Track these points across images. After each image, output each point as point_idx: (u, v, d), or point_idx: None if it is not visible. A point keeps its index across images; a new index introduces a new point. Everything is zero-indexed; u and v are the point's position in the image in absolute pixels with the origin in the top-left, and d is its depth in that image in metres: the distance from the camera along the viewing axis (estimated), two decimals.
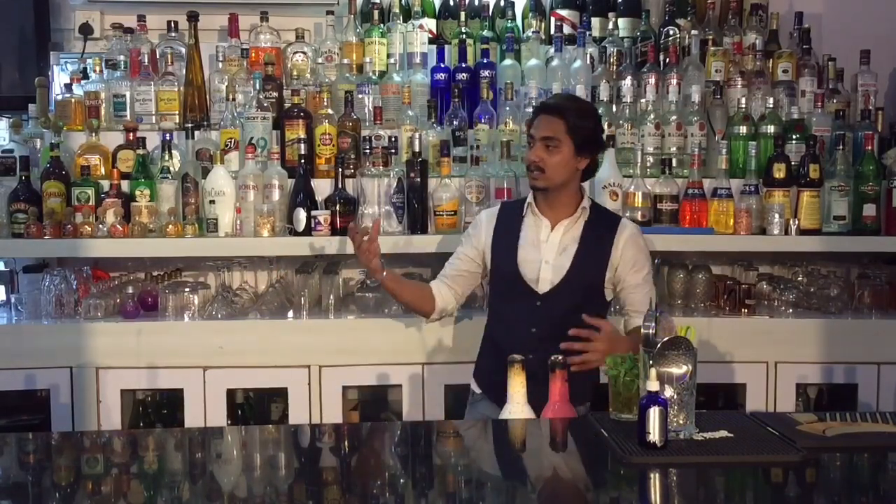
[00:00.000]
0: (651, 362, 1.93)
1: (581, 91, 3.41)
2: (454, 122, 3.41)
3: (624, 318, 2.76)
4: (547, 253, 2.65)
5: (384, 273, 2.73)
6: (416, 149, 3.28)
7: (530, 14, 3.79)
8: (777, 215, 3.28)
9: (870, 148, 3.38)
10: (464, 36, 3.64)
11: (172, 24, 3.61)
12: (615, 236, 2.67)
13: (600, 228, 2.69)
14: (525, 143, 3.39)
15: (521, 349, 2.49)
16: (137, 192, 3.24)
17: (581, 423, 2.18)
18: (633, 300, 2.70)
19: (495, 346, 2.69)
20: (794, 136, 3.44)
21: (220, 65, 3.55)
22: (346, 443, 2.17)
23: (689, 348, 1.96)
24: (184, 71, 3.51)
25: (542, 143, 2.61)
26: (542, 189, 2.65)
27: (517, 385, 2.14)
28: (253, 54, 3.56)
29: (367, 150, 3.32)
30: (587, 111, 2.69)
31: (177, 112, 3.49)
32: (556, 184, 2.64)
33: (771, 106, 3.46)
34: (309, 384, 3.12)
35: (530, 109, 3.39)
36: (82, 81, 3.53)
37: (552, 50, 3.62)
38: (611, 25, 3.69)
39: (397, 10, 3.70)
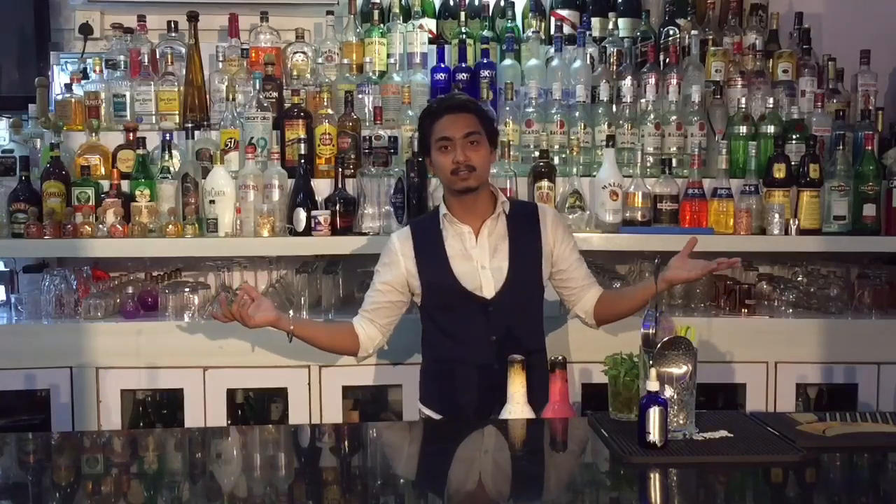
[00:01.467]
0: (651, 362, 1.93)
1: (581, 91, 3.41)
2: None
3: (575, 299, 2.68)
4: (479, 258, 2.56)
5: (290, 325, 2.59)
6: (416, 149, 3.28)
7: (530, 14, 3.79)
8: (777, 215, 3.28)
9: (870, 148, 3.38)
10: (464, 36, 3.64)
11: (172, 24, 3.61)
12: (540, 222, 2.62)
13: (522, 220, 2.61)
14: (523, 144, 3.41)
15: (484, 359, 2.52)
16: (137, 192, 3.24)
17: (581, 423, 2.18)
18: (581, 273, 2.67)
19: (450, 366, 2.60)
20: (794, 136, 3.44)
21: (220, 65, 3.55)
22: (346, 443, 2.17)
23: (689, 348, 1.96)
24: (184, 71, 3.52)
25: (464, 140, 2.49)
26: (473, 189, 2.53)
27: (517, 385, 2.14)
28: (253, 54, 3.56)
29: (367, 150, 3.32)
30: (480, 105, 2.67)
31: (177, 112, 3.49)
32: (484, 181, 2.56)
33: (771, 106, 3.46)
34: (309, 384, 3.12)
35: (531, 109, 3.40)
36: (82, 81, 3.53)
37: (552, 50, 3.62)
38: (611, 25, 3.69)
39: (397, 10, 3.70)
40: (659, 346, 1.95)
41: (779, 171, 3.32)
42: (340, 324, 2.74)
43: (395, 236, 2.68)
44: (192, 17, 3.48)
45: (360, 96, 3.47)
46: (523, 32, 3.79)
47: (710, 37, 3.67)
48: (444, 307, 2.61)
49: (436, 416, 2.64)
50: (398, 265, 2.61)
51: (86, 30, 3.84)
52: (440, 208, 2.63)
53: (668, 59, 3.57)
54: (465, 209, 2.58)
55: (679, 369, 1.96)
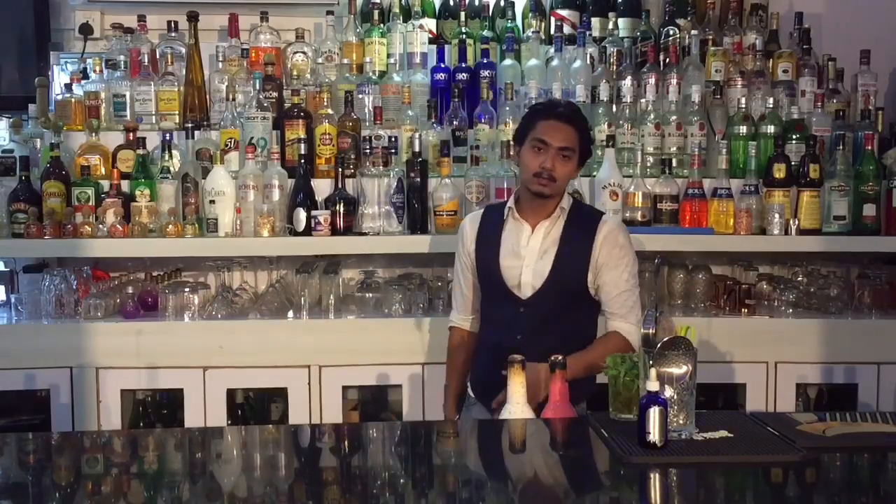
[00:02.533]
0: (651, 362, 1.93)
1: (581, 91, 3.41)
2: (454, 122, 3.41)
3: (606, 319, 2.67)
4: (528, 257, 2.60)
5: (455, 415, 2.75)
6: (416, 149, 3.28)
7: (530, 14, 3.79)
8: (777, 215, 3.28)
9: (870, 148, 3.38)
10: (464, 36, 3.64)
11: (172, 24, 3.61)
12: (595, 234, 2.60)
13: (581, 227, 2.61)
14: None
15: (506, 353, 2.51)
16: (137, 192, 3.24)
17: (581, 423, 2.18)
18: (609, 300, 2.61)
19: (485, 351, 2.67)
20: (794, 136, 3.44)
21: (220, 65, 3.55)
22: (346, 443, 2.17)
23: (689, 348, 1.96)
24: (184, 71, 3.52)
25: (558, 151, 2.53)
26: (547, 196, 2.59)
27: (517, 385, 2.14)
28: (253, 54, 3.56)
29: (367, 150, 3.32)
30: (588, 122, 2.67)
31: (177, 112, 3.49)
32: (559, 192, 2.61)
33: (771, 106, 3.46)
34: (309, 384, 3.12)
35: None
36: (82, 81, 3.53)
37: (552, 50, 3.62)
38: (611, 25, 3.69)
39: (397, 10, 3.70)
40: (659, 346, 1.95)
41: (779, 171, 3.32)
42: (459, 363, 2.79)
43: (467, 218, 2.80)
44: (192, 17, 3.48)
45: (360, 96, 3.47)
46: (523, 32, 3.79)
47: (710, 37, 3.67)
48: (488, 294, 2.69)
49: (471, 395, 2.73)
50: (467, 248, 2.72)
51: (86, 30, 3.84)
52: (509, 199, 2.70)
53: (668, 59, 3.57)
54: (532, 208, 2.63)
55: (679, 369, 1.96)
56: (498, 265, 2.62)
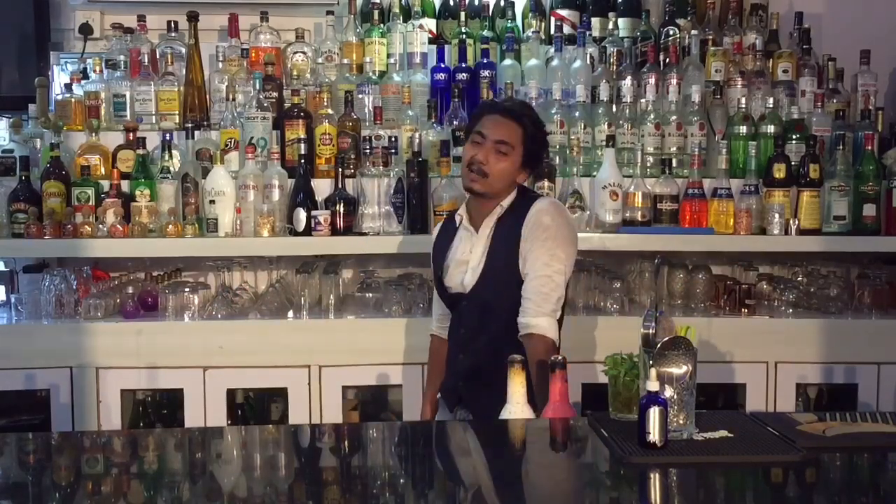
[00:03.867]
0: (651, 362, 1.93)
1: (581, 91, 3.41)
2: (454, 122, 3.41)
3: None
4: (472, 260, 2.54)
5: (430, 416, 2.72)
6: (416, 149, 3.29)
7: (530, 14, 3.79)
8: (777, 215, 3.28)
9: (870, 148, 3.38)
10: (464, 36, 3.64)
11: (172, 24, 3.61)
12: (525, 218, 2.45)
13: (515, 213, 2.48)
14: None
15: (457, 349, 2.60)
16: (137, 192, 3.24)
17: (581, 423, 2.17)
18: (525, 287, 2.42)
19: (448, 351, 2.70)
20: (794, 136, 3.44)
21: (220, 65, 3.55)
22: (346, 443, 2.16)
23: (689, 348, 1.96)
24: (184, 71, 3.52)
25: (494, 145, 2.44)
26: (478, 194, 2.49)
27: (517, 385, 2.14)
28: (253, 54, 3.56)
29: (367, 150, 3.32)
30: (541, 124, 2.55)
31: (177, 112, 3.49)
32: (494, 192, 2.49)
33: (771, 106, 3.46)
34: (309, 384, 3.12)
35: None
36: (82, 81, 3.53)
37: (552, 50, 3.62)
38: (611, 25, 3.69)
39: (397, 10, 3.70)
40: (659, 346, 1.95)
41: (779, 171, 3.32)
42: (436, 364, 2.75)
43: (438, 227, 2.77)
44: (192, 17, 3.48)
45: (360, 96, 3.47)
46: (523, 32, 3.79)
47: (710, 37, 3.67)
48: (443, 299, 2.68)
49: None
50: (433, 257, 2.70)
51: (86, 30, 3.84)
52: (460, 208, 2.64)
53: (668, 59, 3.57)
54: (475, 208, 2.56)
55: (679, 369, 1.95)
56: (442, 274, 2.60)
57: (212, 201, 3.23)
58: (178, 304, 3.19)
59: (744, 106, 3.44)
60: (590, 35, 3.68)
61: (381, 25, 3.64)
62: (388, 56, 3.62)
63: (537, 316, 2.41)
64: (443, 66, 3.62)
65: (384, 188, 3.28)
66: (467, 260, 2.55)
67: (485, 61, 3.58)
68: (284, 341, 3.14)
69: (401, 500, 1.75)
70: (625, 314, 3.22)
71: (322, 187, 3.32)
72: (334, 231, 3.22)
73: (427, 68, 3.62)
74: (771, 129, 3.43)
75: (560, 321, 2.48)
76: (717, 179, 3.34)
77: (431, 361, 2.80)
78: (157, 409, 3.35)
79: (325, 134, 3.36)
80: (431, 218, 3.29)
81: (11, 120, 3.47)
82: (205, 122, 3.48)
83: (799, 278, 3.42)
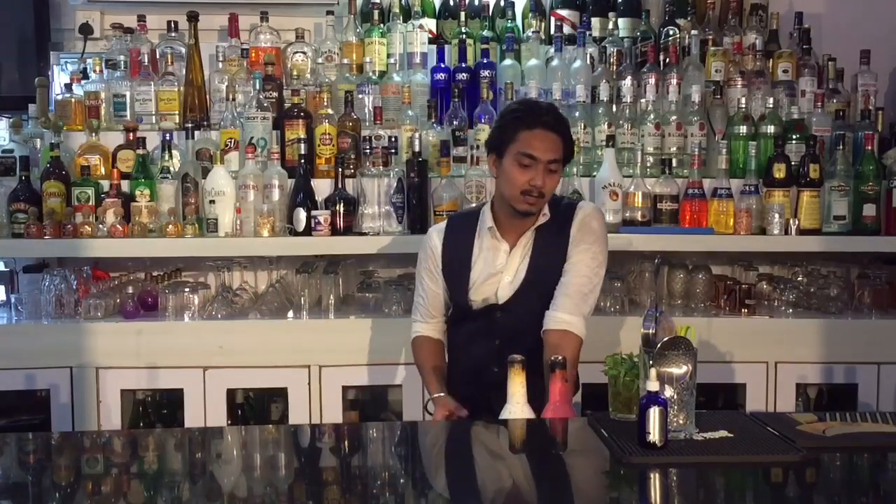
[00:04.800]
0: (651, 362, 1.93)
1: (581, 91, 3.41)
2: (454, 122, 3.41)
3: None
4: (506, 272, 2.47)
5: (440, 393, 2.51)
6: (416, 149, 3.28)
7: (530, 14, 3.79)
8: (777, 215, 3.28)
9: (870, 148, 3.38)
10: (464, 36, 3.64)
11: (172, 24, 3.61)
12: (572, 219, 2.45)
13: (557, 220, 2.46)
14: None
15: (488, 361, 2.47)
16: (137, 192, 3.24)
17: (581, 423, 2.17)
18: (566, 282, 2.41)
19: (464, 364, 2.57)
20: (794, 136, 3.44)
21: (220, 65, 3.55)
22: (346, 443, 2.17)
23: (689, 348, 1.96)
24: (184, 71, 3.52)
25: (546, 165, 2.36)
26: (533, 214, 2.44)
27: (517, 385, 2.14)
28: (253, 54, 3.56)
29: (367, 150, 3.32)
30: (570, 127, 2.49)
31: (177, 112, 3.49)
32: (544, 205, 2.45)
33: (771, 106, 3.46)
34: (309, 384, 3.12)
35: None
36: (82, 81, 3.53)
37: (552, 50, 3.62)
38: (611, 25, 3.69)
39: (397, 10, 3.70)
40: (659, 346, 1.95)
41: (779, 171, 3.32)
42: (434, 351, 2.63)
43: (434, 232, 2.61)
44: (192, 17, 3.48)
45: (360, 96, 3.47)
46: (523, 32, 3.79)
47: (710, 37, 3.67)
48: (458, 308, 2.56)
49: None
50: (436, 265, 2.56)
51: (86, 30, 3.84)
52: (484, 217, 2.52)
53: (668, 59, 3.57)
54: (513, 225, 2.48)
55: (679, 369, 1.96)
56: (468, 290, 2.49)
57: (212, 201, 3.23)
58: (178, 304, 3.19)
59: (744, 106, 3.44)
60: (590, 35, 3.68)
61: (381, 25, 3.64)
62: (388, 56, 3.62)
63: (575, 314, 2.41)
64: (443, 66, 3.62)
65: (384, 188, 3.28)
66: (500, 272, 2.47)
67: (485, 61, 3.58)
68: (284, 341, 3.14)
69: (401, 500, 1.75)
70: (625, 314, 3.22)
71: (322, 187, 3.32)
72: (334, 231, 3.22)
73: (427, 68, 3.62)
74: (771, 129, 3.43)
75: None
76: (717, 179, 3.34)
77: (430, 361, 2.61)
78: (157, 409, 3.35)
79: (325, 134, 3.36)
80: (431, 218, 3.29)
81: (11, 120, 3.47)
82: (205, 122, 3.48)
83: (799, 278, 3.42)
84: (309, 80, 3.55)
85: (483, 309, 2.51)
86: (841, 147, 3.36)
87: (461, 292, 2.52)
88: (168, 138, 3.34)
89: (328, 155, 3.37)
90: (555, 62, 3.58)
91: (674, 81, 3.43)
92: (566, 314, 2.41)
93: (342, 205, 3.25)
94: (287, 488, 1.82)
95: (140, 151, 3.29)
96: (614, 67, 3.61)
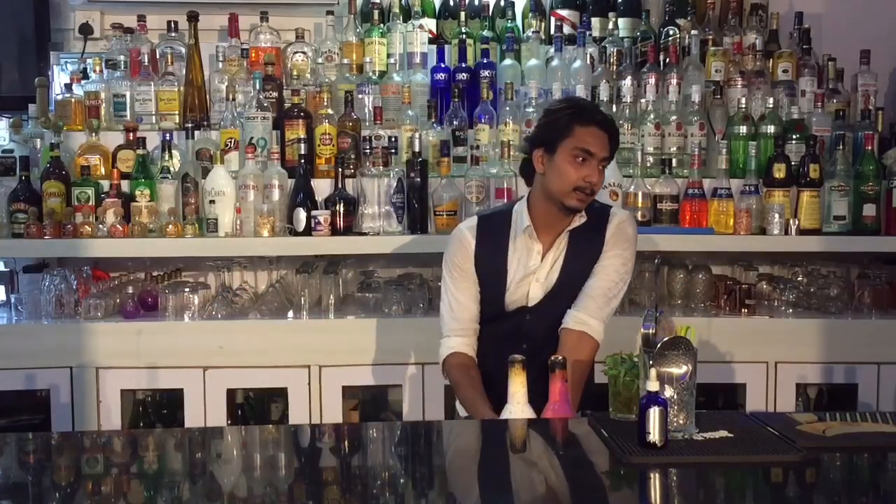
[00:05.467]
0: (651, 362, 1.93)
1: (581, 91, 3.41)
2: (454, 122, 3.41)
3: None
4: (539, 272, 2.47)
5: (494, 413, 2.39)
6: (416, 149, 3.28)
7: (530, 14, 3.79)
8: (777, 215, 3.28)
9: (870, 148, 3.38)
10: (464, 36, 3.64)
11: (172, 24, 3.62)
12: (607, 225, 2.46)
13: (591, 223, 2.46)
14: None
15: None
16: (137, 192, 3.24)
17: (581, 423, 2.17)
18: (593, 285, 2.42)
19: (487, 363, 2.52)
20: (794, 136, 3.44)
21: (220, 65, 3.55)
22: (346, 443, 2.17)
23: (689, 348, 1.96)
24: (184, 71, 3.52)
25: (599, 163, 2.36)
26: (580, 210, 2.42)
27: (517, 385, 2.14)
28: (253, 54, 3.56)
29: (367, 150, 3.32)
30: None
31: (177, 112, 3.49)
32: None
33: (771, 106, 3.46)
34: (309, 384, 3.12)
35: (531, 109, 3.40)
36: (82, 81, 3.53)
37: (552, 50, 3.62)
38: (611, 25, 3.69)
39: (397, 10, 3.70)
40: (659, 346, 1.95)
41: (779, 171, 3.32)
42: (477, 376, 2.50)
43: (465, 230, 2.53)
44: (192, 17, 3.49)
45: (360, 96, 3.47)
46: (523, 32, 3.79)
47: (710, 37, 3.67)
48: (486, 307, 2.52)
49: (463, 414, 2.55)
50: (468, 267, 2.49)
51: (86, 30, 3.84)
52: (521, 217, 2.48)
53: (668, 59, 3.57)
54: (551, 223, 2.45)
55: (679, 369, 1.95)
56: (504, 292, 2.46)
57: (212, 201, 3.23)
58: (178, 304, 3.19)
59: (744, 106, 3.44)
60: (590, 35, 3.68)
61: (381, 25, 3.64)
62: (388, 56, 3.62)
63: (594, 317, 2.43)
64: (443, 66, 3.62)
65: (384, 188, 3.27)
66: (533, 273, 2.46)
67: (485, 61, 3.58)
68: (284, 341, 3.14)
69: (401, 500, 1.75)
70: (625, 314, 3.21)
71: (322, 187, 3.32)
72: (334, 231, 3.22)
73: (427, 68, 3.62)
74: (771, 129, 3.43)
75: None
76: (717, 179, 3.34)
77: (475, 386, 2.46)
78: (157, 409, 3.35)
79: (325, 134, 3.36)
80: (431, 218, 3.29)
81: (11, 120, 3.47)
82: (205, 122, 3.48)
83: (799, 278, 3.42)
84: (309, 80, 3.55)
85: (512, 311, 2.50)
86: (841, 147, 3.36)
87: (497, 294, 2.48)
88: (168, 138, 3.34)
89: (328, 155, 3.37)
90: (555, 62, 3.58)
91: (674, 81, 3.43)
92: (587, 315, 2.43)
93: (342, 205, 3.25)
94: (287, 488, 1.82)
95: (140, 151, 3.29)
96: (614, 67, 3.61)
